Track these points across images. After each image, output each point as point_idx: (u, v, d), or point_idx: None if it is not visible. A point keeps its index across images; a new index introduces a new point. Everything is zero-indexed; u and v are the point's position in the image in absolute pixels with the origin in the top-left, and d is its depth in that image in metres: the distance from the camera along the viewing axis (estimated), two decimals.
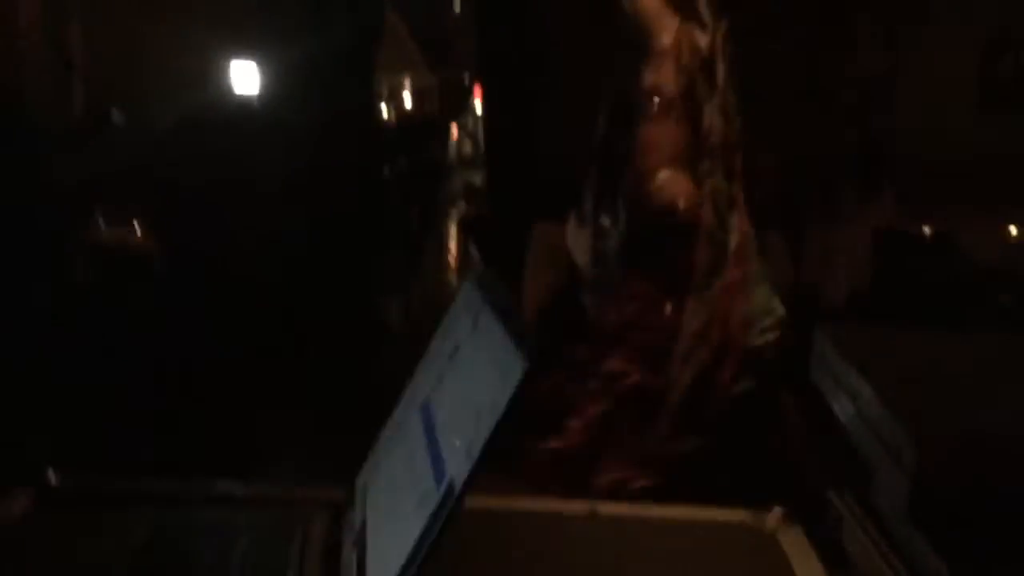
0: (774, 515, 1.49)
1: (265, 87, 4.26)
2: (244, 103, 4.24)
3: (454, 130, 7.13)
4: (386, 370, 4.44)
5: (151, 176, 3.92)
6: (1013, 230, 4.34)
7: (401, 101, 5.79)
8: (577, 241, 3.45)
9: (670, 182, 3.17)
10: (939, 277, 3.83)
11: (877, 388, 1.56)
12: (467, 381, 1.18)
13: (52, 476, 1.48)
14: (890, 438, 1.47)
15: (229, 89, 4.22)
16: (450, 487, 1.04)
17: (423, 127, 6.04)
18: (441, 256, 6.36)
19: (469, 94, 6.24)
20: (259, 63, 4.24)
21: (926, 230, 4.30)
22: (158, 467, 1.55)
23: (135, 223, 3.89)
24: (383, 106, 5.43)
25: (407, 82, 5.92)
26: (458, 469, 1.04)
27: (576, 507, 1.55)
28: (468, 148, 7.86)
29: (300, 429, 3.23)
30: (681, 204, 3.14)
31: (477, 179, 6.69)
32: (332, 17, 4.34)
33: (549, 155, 4.11)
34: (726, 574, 1.43)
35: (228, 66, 4.22)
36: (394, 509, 1.19)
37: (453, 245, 6.85)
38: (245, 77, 4.21)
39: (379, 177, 4.87)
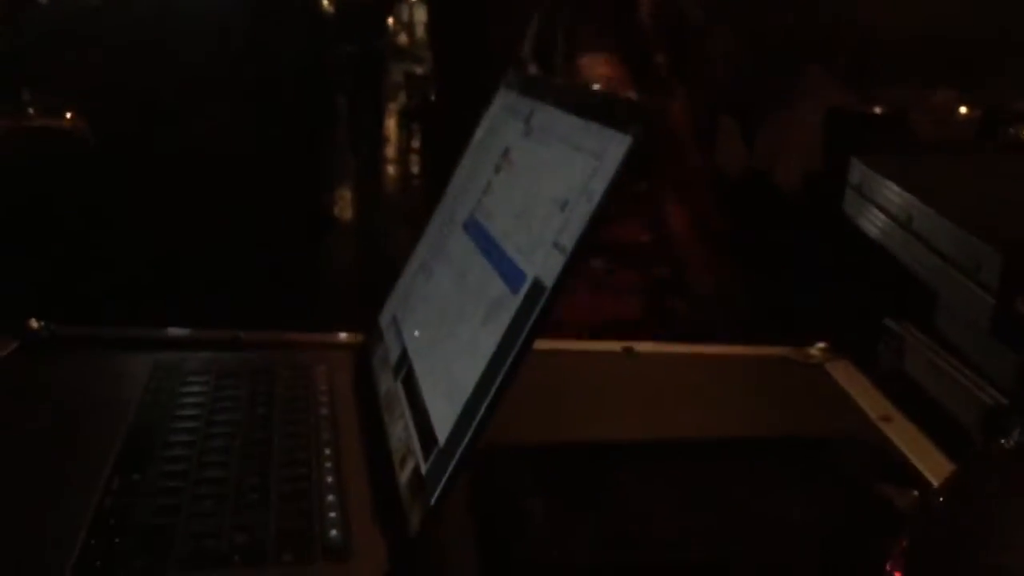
0: (819, 348, 1.45)
1: None
2: None
3: (390, 20, 6.96)
4: (334, 262, 4.40)
5: (82, 60, 3.78)
6: (963, 110, 4.34)
7: None
8: None
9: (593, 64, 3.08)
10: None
11: (939, 206, 1.47)
12: (533, 181, 1.09)
13: (35, 323, 1.40)
14: (962, 254, 1.38)
15: None
16: (536, 285, 0.94)
17: (362, 15, 5.91)
18: (382, 148, 6.25)
19: None
20: None
21: (877, 110, 4.27)
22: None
23: (67, 113, 3.73)
24: None
25: None
26: (545, 266, 0.94)
27: (611, 345, 1.48)
28: (404, 38, 7.69)
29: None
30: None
31: (418, 69, 6.53)
32: None
33: (499, 39, 4.01)
34: (774, 404, 1.39)
35: None
36: (448, 333, 1.11)
37: (394, 136, 6.72)
38: None
39: (321, 66, 4.74)
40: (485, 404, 0.92)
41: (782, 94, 4.08)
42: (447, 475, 0.94)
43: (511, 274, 1.00)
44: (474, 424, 0.93)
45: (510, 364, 0.92)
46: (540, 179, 1.06)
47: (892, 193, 1.60)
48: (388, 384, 1.20)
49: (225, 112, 3.80)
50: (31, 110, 3.74)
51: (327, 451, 1.16)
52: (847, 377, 1.45)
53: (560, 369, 1.37)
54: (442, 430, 0.98)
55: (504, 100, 1.28)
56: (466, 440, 0.93)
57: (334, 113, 4.49)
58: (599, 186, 0.92)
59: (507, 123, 1.22)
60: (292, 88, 4.24)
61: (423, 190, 4.79)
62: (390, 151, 6.15)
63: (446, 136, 4.45)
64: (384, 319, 1.33)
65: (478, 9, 4.10)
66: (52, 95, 3.79)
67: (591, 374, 1.43)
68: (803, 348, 1.49)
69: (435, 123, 4.65)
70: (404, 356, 1.19)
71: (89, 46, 3.84)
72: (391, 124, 6.34)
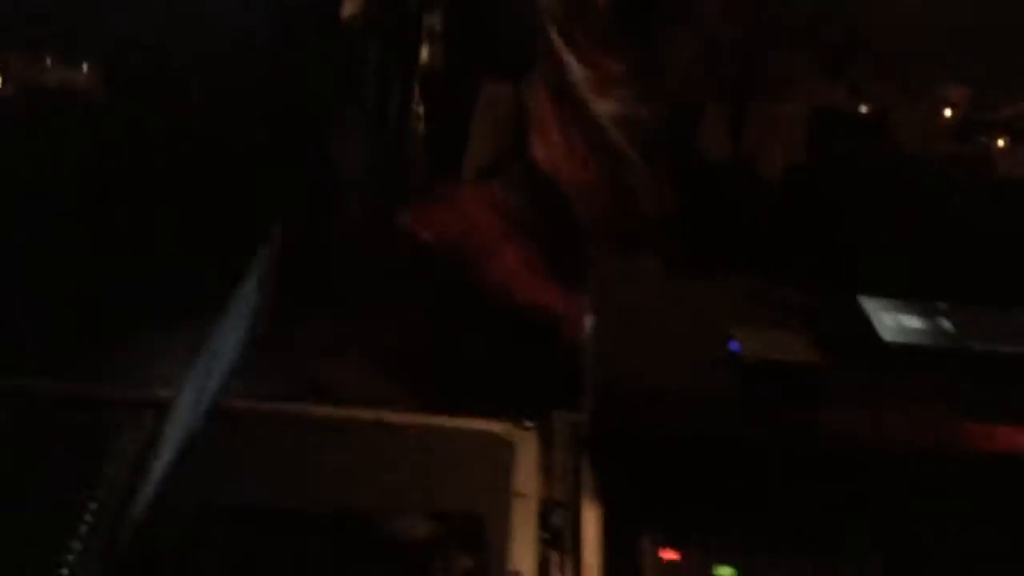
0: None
1: None
2: None
3: None
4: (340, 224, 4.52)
5: (104, 21, 3.90)
6: (948, 112, 4.47)
7: None
8: None
9: None
10: (866, 162, 3.97)
11: None
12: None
13: None
14: None
15: None
16: None
17: None
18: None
19: None
20: None
21: (863, 109, 4.40)
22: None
23: (84, 67, 3.86)
24: None
25: None
26: None
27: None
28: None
29: None
30: None
31: (436, 23, 6.54)
32: None
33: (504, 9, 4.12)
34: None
35: None
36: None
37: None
38: None
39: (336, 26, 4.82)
40: None
41: (769, 85, 4.21)
42: None
43: None
44: None
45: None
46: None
47: None
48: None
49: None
50: (48, 61, 3.87)
51: None
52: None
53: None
54: None
55: None
56: None
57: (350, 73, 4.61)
58: None
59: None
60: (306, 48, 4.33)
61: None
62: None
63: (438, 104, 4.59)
64: None
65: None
66: (70, 48, 3.91)
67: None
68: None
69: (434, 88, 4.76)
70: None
71: (111, 4, 3.94)
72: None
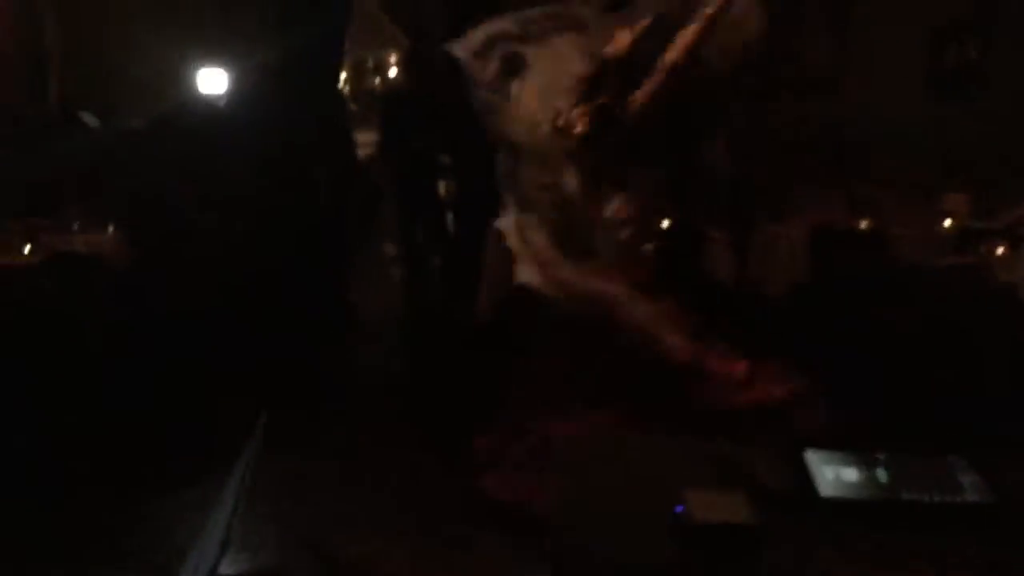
0: None
1: (239, 91, 4.39)
2: (216, 107, 4.39)
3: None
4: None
5: (123, 179, 4.10)
6: (947, 222, 4.53)
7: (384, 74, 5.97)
8: None
9: None
10: (867, 277, 4.02)
11: None
12: None
13: None
14: None
15: (200, 94, 4.38)
16: None
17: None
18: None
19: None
20: (231, 68, 4.37)
21: (863, 224, 4.47)
22: None
23: (109, 228, 4.01)
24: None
25: (388, 57, 6.10)
26: None
27: None
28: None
29: None
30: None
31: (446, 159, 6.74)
32: (300, 18, 4.44)
33: None
34: None
35: (198, 72, 4.37)
36: None
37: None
38: (215, 82, 4.37)
39: (350, 172, 4.97)
40: None
41: (772, 208, 4.31)
42: None
43: None
44: None
45: None
46: None
47: None
48: None
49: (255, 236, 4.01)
50: (75, 225, 4.04)
51: None
52: None
53: None
54: None
55: None
56: None
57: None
58: None
59: None
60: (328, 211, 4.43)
61: None
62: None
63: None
64: None
65: None
66: (95, 211, 4.08)
67: None
68: None
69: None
70: None
71: (131, 167, 4.12)
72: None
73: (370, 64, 6.23)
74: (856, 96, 4.88)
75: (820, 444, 2.10)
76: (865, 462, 2.02)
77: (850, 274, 4.06)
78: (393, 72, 6.21)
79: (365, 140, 5.40)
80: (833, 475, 1.98)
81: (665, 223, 3.75)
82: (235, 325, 3.66)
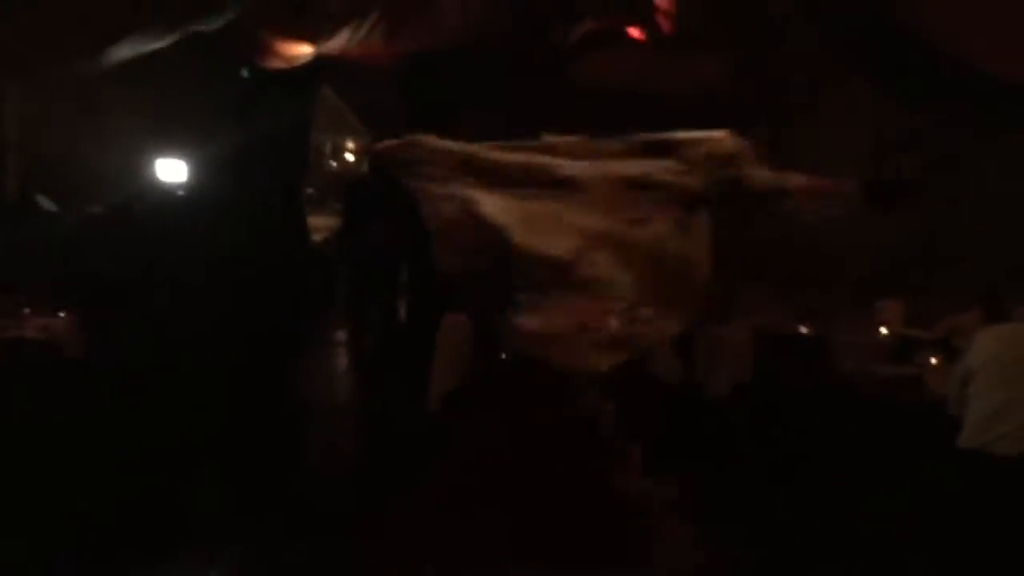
0: None
1: (200, 180, 4.44)
2: (174, 197, 4.44)
3: None
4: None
5: (79, 264, 4.11)
6: (883, 330, 4.69)
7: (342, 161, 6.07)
8: None
9: None
10: (807, 381, 4.12)
11: None
12: None
13: None
14: None
15: (159, 182, 4.43)
16: None
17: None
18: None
19: None
20: (193, 157, 4.43)
21: (802, 330, 4.60)
22: None
23: (60, 314, 4.01)
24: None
25: (346, 143, 6.22)
26: None
27: None
28: None
29: None
30: None
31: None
32: (258, 109, 4.51)
33: None
34: None
35: (157, 162, 4.42)
36: None
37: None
38: (174, 171, 4.42)
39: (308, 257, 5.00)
40: None
41: (718, 309, 4.43)
42: None
43: None
44: None
45: None
46: None
47: None
48: None
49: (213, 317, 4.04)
50: (27, 310, 4.03)
51: None
52: None
53: None
54: None
55: None
56: None
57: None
58: None
59: None
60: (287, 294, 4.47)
61: None
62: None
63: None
64: None
65: None
66: (49, 297, 4.07)
67: None
68: None
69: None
70: None
71: (87, 252, 4.13)
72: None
73: (328, 148, 6.33)
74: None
75: None
76: None
77: (793, 379, 4.17)
78: (350, 157, 6.33)
79: (320, 224, 5.48)
80: None
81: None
82: (189, 409, 3.68)
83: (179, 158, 4.50)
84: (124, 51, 4.23)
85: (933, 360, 4.30)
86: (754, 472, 3.64)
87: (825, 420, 3.82)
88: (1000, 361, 3.17)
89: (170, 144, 4.49)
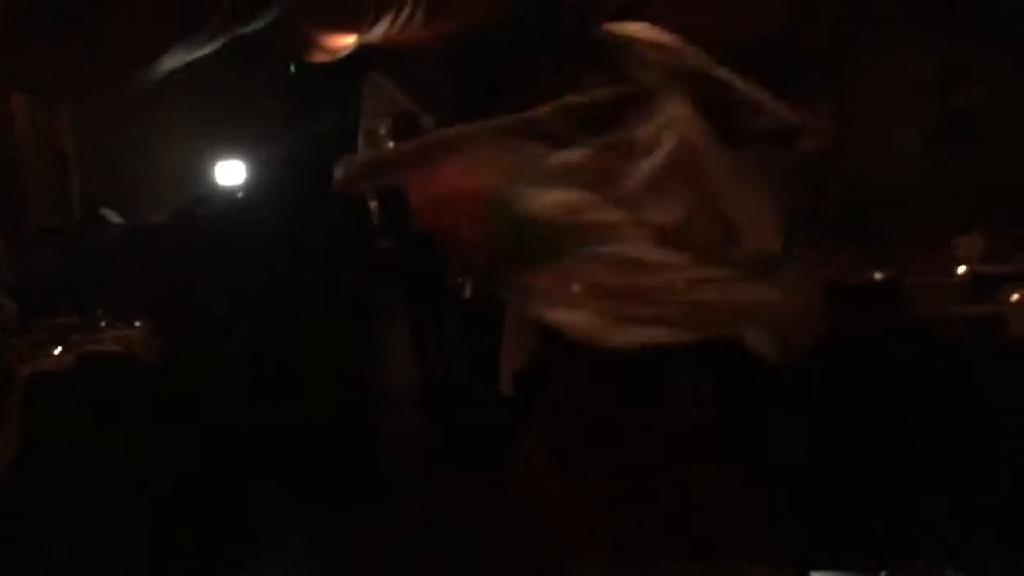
0: None
1: (257, 181, 4.49)
2: (235, 198, 4.50)
3: None
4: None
5: (148, 273, 4.20)
6: (961, 269, 4.54)
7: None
8: None
9: None
10: (882, 332, 4.02)
11: None
12: None
13: None
14: None
15: (219, 185, 4.49)
16: None
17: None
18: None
19: None
20: (248, 159, 4.48)
21: (876, 276, 4.47)
22: None
23: (136, 323, 4.10)
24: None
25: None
26: None
27: None
28: None
29: None
30: None
31: None
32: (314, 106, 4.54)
33: None
34: None
35: (216, 166, 4.48)
36: None
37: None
38: (233, 173, 4.48)
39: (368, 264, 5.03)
40: None
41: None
42: None
43: None
44: None
45: None
46: None
47: None
48: None
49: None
50: (103, 323, 4.14)
51: None
52: None
53: None
54: None
55: None
56: None
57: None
58: None
59: None
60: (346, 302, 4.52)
61: None
62: None
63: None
64: None
65: None
66: (122, 309, 4.17)
67: None
68: None
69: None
70: None
71: (155, 261, 4.22)
72: None
73: (382, 132, 6.35)
74: (859, 147, 4.90)
75: (823, 566, 2.12)
76: None
77: (868, 330, 4.06)
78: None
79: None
80: None
81: None
82: (266, 410, 3.76)
83: (237, 160, 4.54)
84: (173, 61, 4.26)
85: (1015, 297, 4.16)
86: (834, 432, 3.57)
87: (903, 369, 3.73)
88: None
89: (227, 147, 4.54)
